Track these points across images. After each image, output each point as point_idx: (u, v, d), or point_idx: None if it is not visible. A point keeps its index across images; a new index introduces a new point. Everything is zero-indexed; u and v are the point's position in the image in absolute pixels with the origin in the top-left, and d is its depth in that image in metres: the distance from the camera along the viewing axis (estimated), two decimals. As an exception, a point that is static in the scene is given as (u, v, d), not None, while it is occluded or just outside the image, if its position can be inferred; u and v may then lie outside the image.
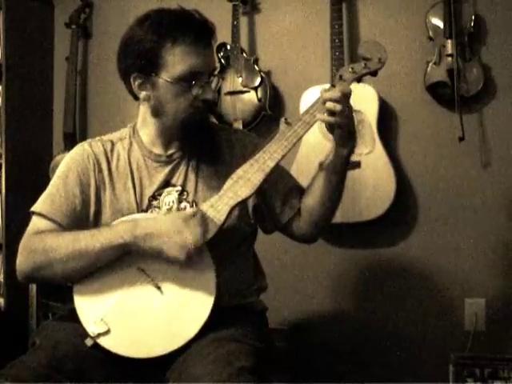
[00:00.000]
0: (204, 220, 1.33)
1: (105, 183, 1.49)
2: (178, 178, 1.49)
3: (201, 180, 1.49)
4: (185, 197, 1.48)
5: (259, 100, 2.46)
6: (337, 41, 2.29)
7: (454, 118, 2.24)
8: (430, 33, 2.28)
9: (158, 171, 1.50)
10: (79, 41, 2.84)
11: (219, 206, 1.36)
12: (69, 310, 1.43)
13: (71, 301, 1.39)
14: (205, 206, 1.37)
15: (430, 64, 2.26)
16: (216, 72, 1.50)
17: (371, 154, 2.27)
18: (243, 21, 2.58)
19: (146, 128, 1.52)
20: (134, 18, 1.46)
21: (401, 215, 2.35)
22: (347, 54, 2.35)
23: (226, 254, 1.43)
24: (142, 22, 1.43)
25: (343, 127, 1.38)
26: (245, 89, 2.48)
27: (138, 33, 1.42)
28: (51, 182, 1.50)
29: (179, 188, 1.48)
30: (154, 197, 1.48)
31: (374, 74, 1.46)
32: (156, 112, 1.47)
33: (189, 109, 1.43)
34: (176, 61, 1.39)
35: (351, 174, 2.02)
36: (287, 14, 2.57)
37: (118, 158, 1.52)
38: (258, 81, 2.47)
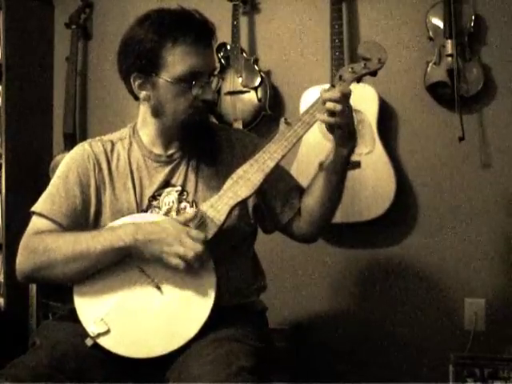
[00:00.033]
0: (204, 223, 1.34)
1: (105, 183, 1.49)
2: (177, 178, 1.49)
3: (201, 180, 1.49)
4: (185, 197, 1.48)
5: (259, 100, 2.46)
6: (337, 41, 2.29)
7: (453, 118, 2.25)
8: (430, 33, 2.28)
9: (158, 171, 1.50)
10: (79, 41, 2.84)
11: (219, 205, 1.36)
12: (69, 310, 1.43)
13: (71, 301, 1.39)
14: (205, 206, 1.37)
15: (430, 64, 2.26)
16: (216, 72, 1.50)
17: (371, 154, 2.27)
18: (243, 21, 2.58)
19: (146, 128, 1.52)
20: (134, 18, 1.46)
21: (401, 215, 2.35)
22: (347, 53, 2.35)
23: (226, 254, 1.43)
24: (142, 22, 1.43)
25: (343, 127, 1.38)
26: (245, 89, 2.48)
27: (138, 33, 1.42)
28: (51, 182, 1.50)
29: (179, 188, 1.48)
30: (153, 197, 1.48)
31: (373, 74, 1.46)
32: (156, 112, 1.46)
33: (189, 109, 1.42)
34: (176, 61, 1.39)
35: (351, 174, 2.02)
36: (287, 14, 2.57)
37: (118, 158, 1.51)
38: (257, 81, 2.47)
